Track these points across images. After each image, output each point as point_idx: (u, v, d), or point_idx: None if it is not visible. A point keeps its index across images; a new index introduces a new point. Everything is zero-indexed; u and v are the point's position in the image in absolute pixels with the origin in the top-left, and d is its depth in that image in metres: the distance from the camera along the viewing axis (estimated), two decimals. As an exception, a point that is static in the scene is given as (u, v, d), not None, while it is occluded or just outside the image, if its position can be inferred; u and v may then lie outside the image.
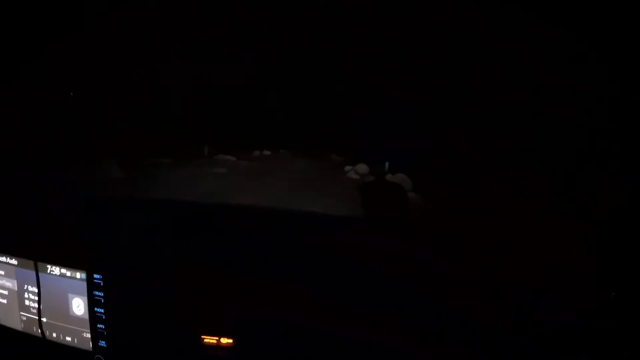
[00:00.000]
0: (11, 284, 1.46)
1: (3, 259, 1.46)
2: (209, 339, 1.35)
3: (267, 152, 2.30)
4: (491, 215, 1.51)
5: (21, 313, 1.46)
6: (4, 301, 1.49)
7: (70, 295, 1.38)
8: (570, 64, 1.46)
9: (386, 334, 1.26)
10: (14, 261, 1.45)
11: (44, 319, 1.43)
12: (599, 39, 1.30)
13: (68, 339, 1.41)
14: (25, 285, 1.44)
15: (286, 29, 1.86)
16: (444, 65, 1.89)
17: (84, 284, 1.36)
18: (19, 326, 1.47)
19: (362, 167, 2.37)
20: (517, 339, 1.19)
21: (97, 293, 1.35)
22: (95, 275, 1.34)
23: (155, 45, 1.84)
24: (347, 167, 2.32)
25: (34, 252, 1.41)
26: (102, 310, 1.35)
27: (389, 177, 2.18)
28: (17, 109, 1.67)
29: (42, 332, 1.43)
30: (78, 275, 1.36)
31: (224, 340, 1.35)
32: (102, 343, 1.36)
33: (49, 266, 1.39)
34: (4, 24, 1.41)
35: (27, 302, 1.45)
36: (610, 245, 1.28)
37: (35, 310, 1.44)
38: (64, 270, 1.38)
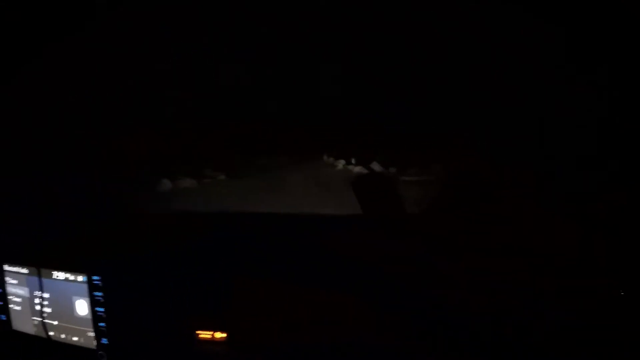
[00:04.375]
0: (23, 291, 1.59)
1: (14, 269, 1.59)
2: (204, 334, 1.43)
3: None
4: (491, 215, 1.53)
5: (33, 318, 1.59)
6: (19, 308, 1.61)
7: (74, 297, 1.50)
8: (571, 64, 1.47)
9: (386, 333, 1.28)
10: (24, 270, 1.57)
11: (54, 322, 1.55)
12: (600, 38, 1.31)
13: (75, 339, 1.52)
14: (35, 292, 1.56)
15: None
16: (443, 65, 1.93)
17: (85, 286, 1.47)
18: (32, 330, 1.60)
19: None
20: (517, 339, 1.19)
21: (97, 294, 1.45)
22: (94, 277, 1.45)
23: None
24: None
25: (39, 259, 1.53)
26: (103, 310, 1.45)
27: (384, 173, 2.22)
28: (15, 111, 1.75)
29: (50, 334, 1.55)
30: (80, 278, 1.48)
31: (218, 335, 1.42)
32: (104, 340, 1.46)
33: (53, 272, 1.51)
34: (3, 24, 1.46)
35: (37, 307, 1.57)
36: (611, 245, 1.28)
37: (45, 315, 1.56)
38: (66, 275, 1.49)
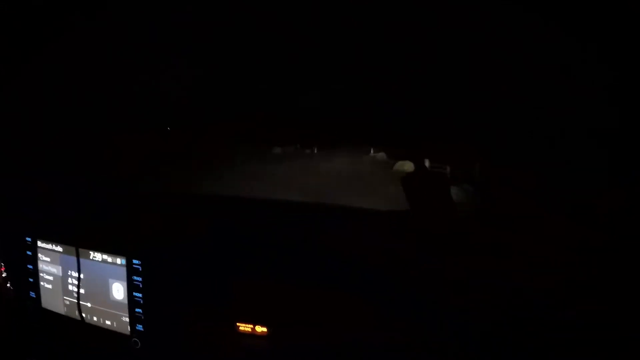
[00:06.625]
0: (56, 269, 1.54)
1: (49, 246, 1.54)
2: (244, 327, 1.37)
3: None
4: (491, 215, 1.52)
5: (64, 297, 1.53)
6: (49, 286, 1.56)
7: (110, 280, 1.44)
8: (571, 63, 1.45)
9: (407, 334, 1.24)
10: (58, 248, 1.52)
11: (87, 304, 1.49)
12: (600, 38, 1.30)
13: (108, 322, 1.46)
14: (69, 271, 1.51)
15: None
16: (441, 64, 1.90)
17: (124, 269, 1.41)
18: (62, 310, 1.54)
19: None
20: (517, 339, 1.17)
21: (135, 278, 1.40)
22: (135, 261, 1.40)
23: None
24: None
25: (78, 238, 1.48)
26: (141, 295, 1.40)
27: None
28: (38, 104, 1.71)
29: (83, 316, 1.50)
30: (118, 261, 1.42)
31: (258, 329, 1.37)
32: (140, 327, 1.41)
33: (91, 252, 1.46)
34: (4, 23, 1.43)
35: (70, 287, 1.52)
36: (610, 246, 1.26)
37: (78, 295, 1.50)
38: (104, 256, 1.44)
